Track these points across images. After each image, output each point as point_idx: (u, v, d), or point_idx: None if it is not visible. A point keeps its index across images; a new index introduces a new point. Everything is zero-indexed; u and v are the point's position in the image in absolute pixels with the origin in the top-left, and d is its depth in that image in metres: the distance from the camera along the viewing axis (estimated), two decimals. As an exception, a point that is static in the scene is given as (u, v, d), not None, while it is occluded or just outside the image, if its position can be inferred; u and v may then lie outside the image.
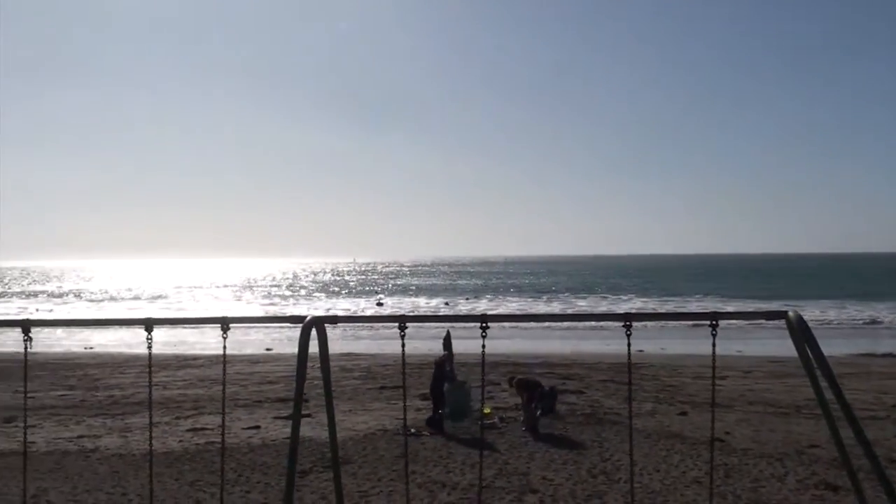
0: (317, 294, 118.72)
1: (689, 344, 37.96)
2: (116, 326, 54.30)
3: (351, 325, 51.06)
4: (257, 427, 17.97)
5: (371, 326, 50.27)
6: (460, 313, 63.80)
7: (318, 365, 8.24)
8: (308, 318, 7.47)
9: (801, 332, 6.26)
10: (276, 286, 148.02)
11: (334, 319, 8.07)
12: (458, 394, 18.40)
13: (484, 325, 7.30)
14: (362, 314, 74.40)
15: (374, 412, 19.81)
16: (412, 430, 17.04)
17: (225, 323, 7.82)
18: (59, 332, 48.80)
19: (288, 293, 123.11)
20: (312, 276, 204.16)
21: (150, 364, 8.47)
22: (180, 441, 16.67)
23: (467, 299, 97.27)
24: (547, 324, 54.50)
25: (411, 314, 7.88)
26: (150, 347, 8.06)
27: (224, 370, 8.36)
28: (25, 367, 8.90)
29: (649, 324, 50.09)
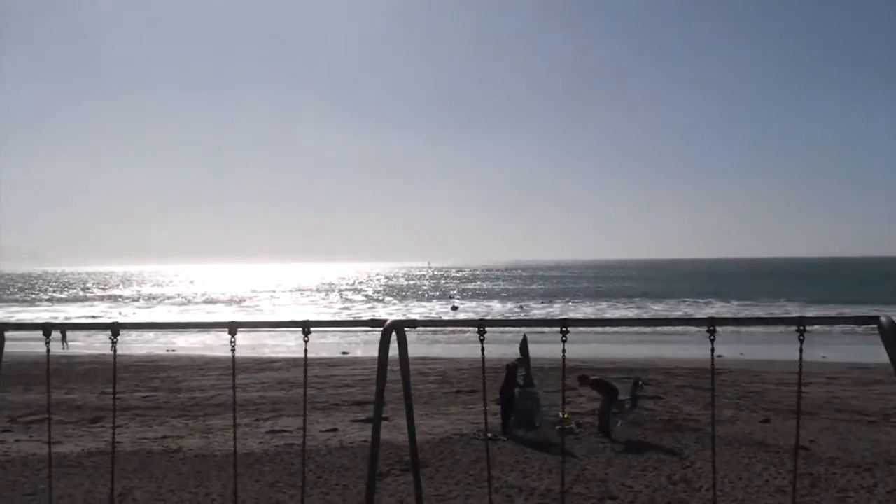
0: (390, 298, 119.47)
1: (769, 349, 37.16)
2: (200, 330, 55.45)
3: (426, 329, 51.27)
4: (335, 430, 18.14)
5: (445, 331, 50.41)
6: (540, 318, 63.58)
7: (395, 368, 8.27)
8: (388, 322, 7.47)
9: (894, 338, 6.05)
10: (350, 290, 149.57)
11: (414, 323, 8.07)
12: (526, 400, 18.39)
13: (564, 329, 7.22)
14: (440, 318, 74.71)
15: (450, 416, 19.84)
16: (490, 435, 17.00)
17: (306, 327, 7.88)
18: (143, 334, 50.11)
19: (362, 297, 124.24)
20: (386, 280, 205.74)
21: (234, 367, 8.61)
22: (260, 443, 16.92)
23: (542, 303, 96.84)
24: (624, 328, 53.84)
25: (491, 319, 7.85)
26: (233, 350, 8.17)
27: (305, 374, 8.43)
28: (115, 369, 9.10)
29: (727, 328, 49.09)
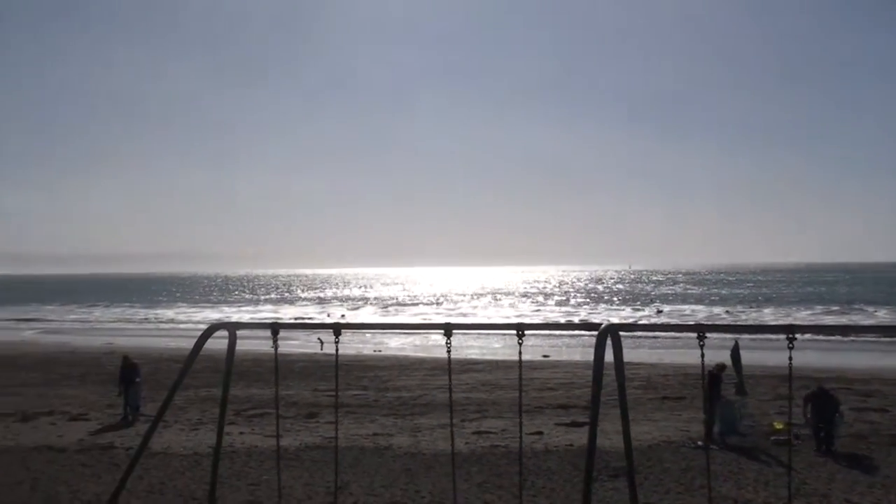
0: (590, 301, 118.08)
1: None
2: (411, 331, 57.18)
3: (628, 334, 50.43)
4: (540, 433, 18.14)
5: (647, 335, 49.36)
6: (763, 323, 60.91)
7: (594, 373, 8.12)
8: (603, 326, 7.37)
9: None
10: (547, 294, 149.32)
11: (630, 327, 7.94)
12: (728, 409, 17.75)
13: (791, 336, 6.86)
14: (651, 323, 73.18)
15: (656, 423, 19.38)
16: (698, 443, 16.49)
17: (520, 330, 7.91)
18: (351, 334, 52.15)
19: (560, 300, 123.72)
20: (584, 283, 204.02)
21: (450, 368, 8.78)
22: (466, 443, 17.17)
23: (751, 307, 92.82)
24: (855, 337, 50.50)
25: (710, 323, 7.58)
26: (448, 352, 8.33)
27: (520, 377, 8.47)
28: (337, 368, 9.52)
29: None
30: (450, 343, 8.21)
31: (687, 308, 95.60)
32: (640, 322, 73.35)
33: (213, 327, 9.23)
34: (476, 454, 16.19)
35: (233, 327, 9.32)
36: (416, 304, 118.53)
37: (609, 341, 7.47)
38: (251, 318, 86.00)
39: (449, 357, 8.45)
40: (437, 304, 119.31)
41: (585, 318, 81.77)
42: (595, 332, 7.47)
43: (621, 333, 7.62)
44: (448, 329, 8.05)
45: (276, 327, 8.98)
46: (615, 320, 49.73)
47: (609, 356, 7.48)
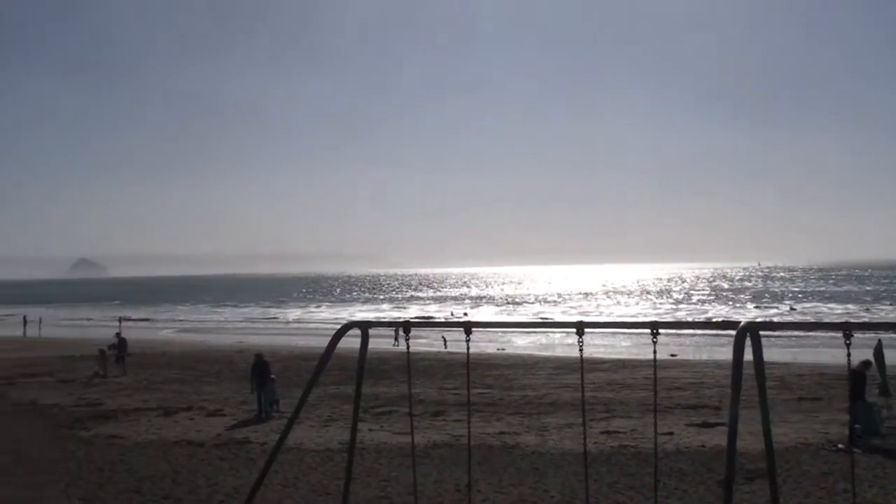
0: (715, 300, 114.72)
1: None
2: (545, 329, 56.88)
3: (768, 333, 48.82)
4: (671, 433, 17.76)
5: (780, 334, 47.69)
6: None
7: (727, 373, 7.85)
8: (742, 324, 7.13)
9: None
10: (675, 291, 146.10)
11: (770, 326, 7.64)
12: (869, 410, 17.00)
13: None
14: (791, 321, 70.71)
15: (792, 424, 18.68)
16: (839, 446, 15.83)
17: (654, 328, 7.75)
18: (477, 332, 52.07)
19: (686, 298, 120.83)
20: (708, 280, 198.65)
21: (582, 366, 8.69)
22: (595, 443, 16.95)
23: (891, 305, 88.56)
24: None
25: (858, 321, 7.24)
26: (581, 350, 8.23)
27: (655, 376, 8.27)
28: (468, 365, 9.54)
29: None
30: (581, 341, 8.11)
31: (822, 306, 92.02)
32: (777, 320, 70.93)
33: (347, 326, 9.40)
34: (605, 454, 15.98)
35: (365, 326, 9.47)
36: (536, 303, 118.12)
37: (748, 341, 7.22)
38: (376, 317, 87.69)
39: (581, 356, 8.37)
40: (556, 302, 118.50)
41: (712, 316, 79.76)
42: (733, 332, 7.23)
43: (761, 333, 7.34)
44: (580, 327, 7.95)
45: (407, 326, 9.08)
46: (754, 319, 48.26)
47: (746, 356, 7.23)
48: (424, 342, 45.84)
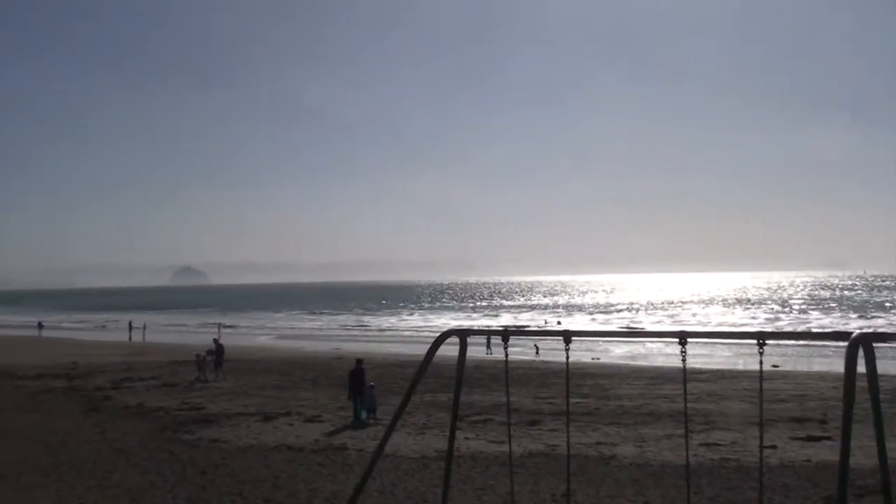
0: (818, 309, 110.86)
1: None
2: (646, 339, 56.19)
3: (882, 344, 46.94)
4: (773, 446, 17.26)
5: (893, 346, 45.87)
6: None
7: (828, 384, 7.57)
8: (855, 335, 6.87)
9: None
10: (774, 301, 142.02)
11: (884, 337, 7.36)
12: None
13: None
14: None
15: (905, 439, 17.93)
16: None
17: (761, 338, 7.55)
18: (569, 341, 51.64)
19: (785, 307, 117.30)
20: (809, 289, 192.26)
21: (685, 377, 8.53)
22: (695, 455, 16.59)
23: None
24: None
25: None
26: (684, 360, 8.08)
27: (761, 388, 8.07)
28: (567, 374, 9.48)
29: None
30: (684, 352, 7.96)
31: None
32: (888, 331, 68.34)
33: (446, 334, 9.44)
34: (705, 467, 15.63)
35: (464, 334, 9.49)
36: (628, 311, 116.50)
37: (860, 352, 6.96)
38: (469, 325, 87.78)
39: (684, 366, 8.21)
40: (649, 311, 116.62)
41: (814, 326, 77.39)
42: (844, 343, 6.97)
43: (874, 344, 7.06)
44: (682, 337, 7.80)
45: (506, 334, 9.07)
46: (862, 328, 46.66)
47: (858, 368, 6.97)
48: (518, 350, 45.63)
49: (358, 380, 22.97)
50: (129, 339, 71.17)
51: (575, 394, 27.31)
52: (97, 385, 31.64)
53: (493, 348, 46.12)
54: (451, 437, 9.87)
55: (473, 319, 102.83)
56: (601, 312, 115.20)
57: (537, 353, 46.36)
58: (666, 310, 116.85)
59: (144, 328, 79.70)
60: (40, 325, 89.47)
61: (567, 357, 8.77)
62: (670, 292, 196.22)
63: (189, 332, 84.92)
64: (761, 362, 7.67)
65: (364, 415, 22.44)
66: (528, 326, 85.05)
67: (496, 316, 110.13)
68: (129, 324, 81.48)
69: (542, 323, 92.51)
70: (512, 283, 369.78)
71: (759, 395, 8.10)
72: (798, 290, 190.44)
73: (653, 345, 51.79)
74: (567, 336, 8.52)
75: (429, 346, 9.43)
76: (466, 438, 19.08)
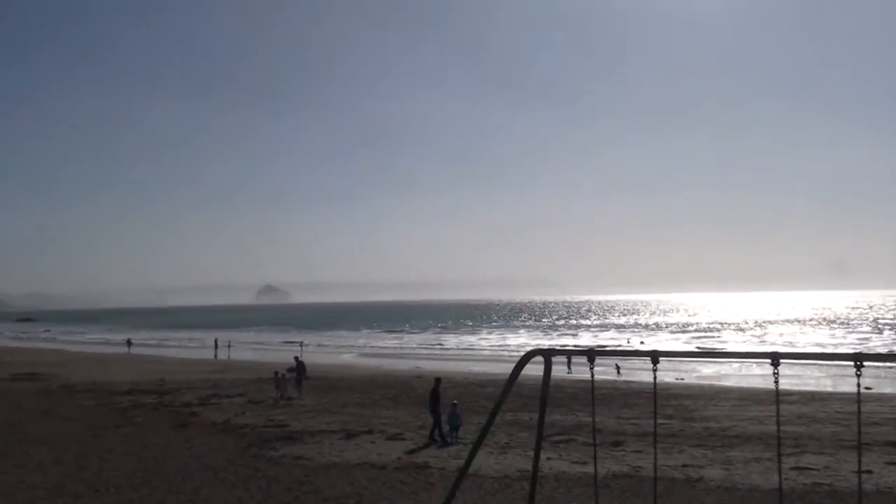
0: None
1: None
2: (735, 359, 55.17)
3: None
4: (869, 471, 16.67)
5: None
6: None
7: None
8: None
9: None
10: (859, 320, 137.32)
11: None
12: None
13: None
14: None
15: None
16: None
17: (858, 360, 7.32)
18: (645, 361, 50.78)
19: (875, 327, 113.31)
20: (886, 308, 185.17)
21: (778, 399, 8.30)
22: (785, 479, 16.07)
23: None
24: None
25: None
26: (776, 382, 7.89)
27: (859, 411, 7.79)
28: (655, 395, 9.33)
29: None
30: (777, 373, 7.76)
31: None
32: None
33: (531, 353, 9.39)
34: (797, 492, 15.19)
35: (549, 354, 9.43)
36: (710, 330, 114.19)
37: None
38: (549, 345, 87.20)
39: (777, 388, 8.01)
40: (734, 330, 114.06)
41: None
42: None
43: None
44: (775, 358, 7.61)
45: (592, 354, 8.97)
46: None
47: None
48: (600, 370, 45.04)
49: (436, 398, 23.00)
50: (215, 356, 72.69)
51: (660, 414, 26.82)
52: (185, 401, 32.33)
53: (573, 368, 45.77)
54: (536, 457, 9.81)
55: (553, 339, 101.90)
56: (682, 332, 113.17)
57: (619, 373, 45.75)
58: (751, 329, 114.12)
59: (229, 346, 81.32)
60: (129, 343, 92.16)
61: (654, 377, 8.64)
62: (750, 311, 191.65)
63: (273, 349, 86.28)
64: (859, 384, 7.43)
65: (447, 431, 22.41)
66: (607, 346, 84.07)
67: (575, 335, 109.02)
68: (215, 341, 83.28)
69: (625, 342, 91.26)
70: (591, 302, 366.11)
71: (856, 418, 7.83)
72: (890, 309, 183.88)
73: (738, 365, 50.63)
74: (654, 356, 8.39)
75: (508, 365, 9.42)
76: (549, 459, 18.88)
